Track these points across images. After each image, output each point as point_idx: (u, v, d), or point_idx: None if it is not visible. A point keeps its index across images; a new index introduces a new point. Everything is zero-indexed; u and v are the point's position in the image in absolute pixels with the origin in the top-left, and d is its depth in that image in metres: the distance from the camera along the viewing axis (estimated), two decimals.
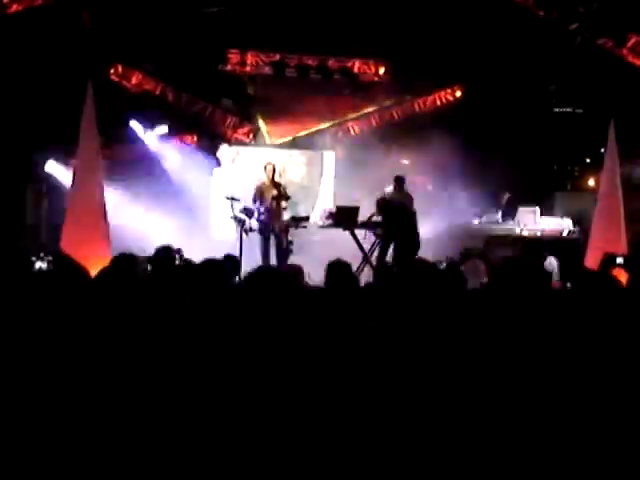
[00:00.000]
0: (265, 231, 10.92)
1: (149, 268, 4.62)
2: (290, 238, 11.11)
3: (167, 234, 10.52)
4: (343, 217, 10.89)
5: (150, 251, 5.36)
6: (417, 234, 10.81)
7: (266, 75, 13.90)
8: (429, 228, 11.78)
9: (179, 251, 6.96)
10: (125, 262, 3.86)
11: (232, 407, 2.78)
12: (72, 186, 9.78)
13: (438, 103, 14.47)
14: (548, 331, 3.31)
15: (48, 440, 2.56)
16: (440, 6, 12.54)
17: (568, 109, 14.42)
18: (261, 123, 14.26)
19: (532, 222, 12.56)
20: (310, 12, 12.51)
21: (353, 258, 8.55)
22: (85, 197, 9.49)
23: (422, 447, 2.75)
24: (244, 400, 2.80)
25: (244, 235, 10.52)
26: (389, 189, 11.68)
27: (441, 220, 12.30)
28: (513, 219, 12.68)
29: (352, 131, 14.67)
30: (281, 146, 14.23)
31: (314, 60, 13.92)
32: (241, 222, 10.61)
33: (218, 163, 14.08)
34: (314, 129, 14.29)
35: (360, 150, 13.90)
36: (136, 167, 12.88)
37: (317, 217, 11.31)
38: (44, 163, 12.63)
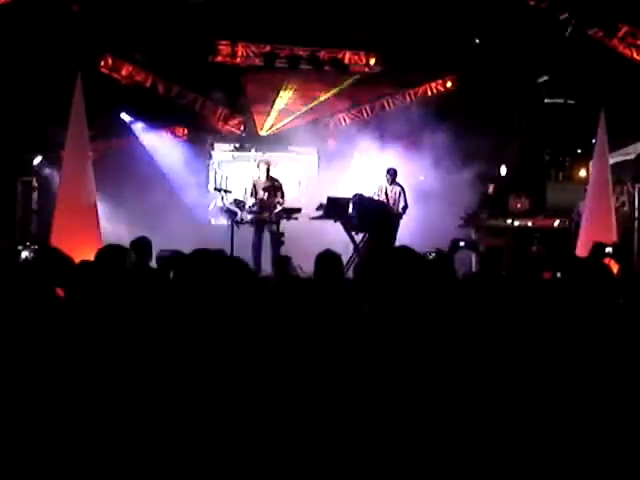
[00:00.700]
0: (259, 223, 10.97)
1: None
2: (281, 230, 11.14)
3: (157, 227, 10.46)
4: (334, 208, 10.90)
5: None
6: (392, 228, 10.90)
7: (257, 66, 13.88)
8: (420, 218, 11.80)
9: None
10: (113, 254, 3.84)
11: (222, 402, 2.77)
12: (61, 178, 9.80)
13: (429, 94, 14.46)
14: (536, 319, 3.31)
15: (27, 432, 2.55)
16: None
17: (559, 100, 14.42)
18: (253, 116, 14.25)
19: (522, 212, 12.57)
20: (301, 3, 12.48)
21: (344, 249, 8.59)
22: (75, 189, 9.52)
23: (417, 438, 2.75)
24: (233, 394, 2.79)
25: (235, 227, 10.55)
26: (382, 182, 11.72)
27: (432, 210, 12.31)
28: (502, 209, 12.68)
29: (343, 122, 14.65)
30: (271, 138, 14.19)
31: (305, 51, 13.87)
32: (232, 214, 10.63)
33: (210, 156, 14.07)
34: (305, 121, 14.26)
35: (351, 141, 13.91)
36: (126, 160, 12.85)
37: (309, 208, 11.29)
38: (33, 156, 12.59)
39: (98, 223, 9.56)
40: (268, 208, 11.03)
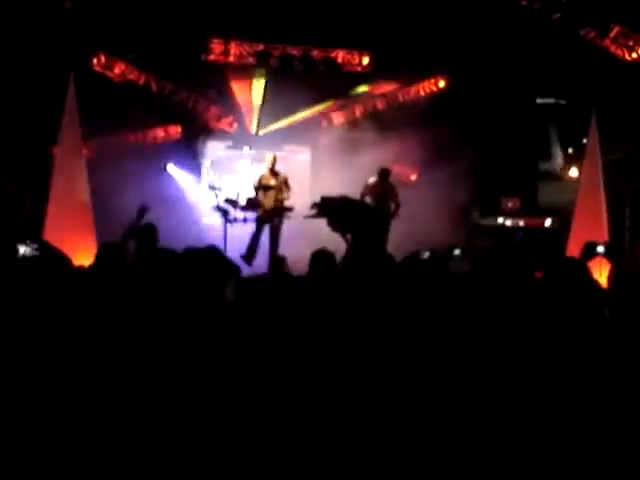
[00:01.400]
0: (258, 222, 11.01)
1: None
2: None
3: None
4: (328, 207, 10.92)
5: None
6: (379, 231, 10.93)
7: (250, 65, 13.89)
8: (412, 219, 11.83)
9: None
10: (112, 252, 3.85)
11: (219, 400, 2.79)
12: (54, 176, 9.79)
13: (422, 93, 14.48)
14: (523, 318, 3.34)
15: (24, 428, 2.56)
16: None
17: (551, 100, 14.48)
18: (246, 114, 14.27)
19: (514, 213, 12.63)
20: (295, 2, 12.51)
21: (338, 247, 8.60)
22: (68, 187, 9.53)
23: (411, 434, 2.78)
24: (230, 392, 2.82)
25: (228, 225, 10.58)
26: (372, 180, 11.74)
27: (424, 211, 12.34)
28: (495, 210, 12.74)
29: (336, 121, 14.67)
30: (264, 137, 14.20)
31: (298, 50, 13.88)
32: (224, 212, 10.64)
33: (204, 154, 14.09)
34: (298, 120, 14.27)
35: (343, 140, 13.94)
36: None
37: (302, 207, 11.31)
38: (28, 153, 12.53)
39: (92, 221, 9.56)
40: (264, 207, 11.06)
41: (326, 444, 2.75)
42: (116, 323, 2.91)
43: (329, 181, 12.67)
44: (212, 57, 13.73)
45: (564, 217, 12.06)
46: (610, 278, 5.91)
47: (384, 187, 11.70)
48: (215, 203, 10.70)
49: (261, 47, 13.82)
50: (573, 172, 14.09)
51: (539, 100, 14.43)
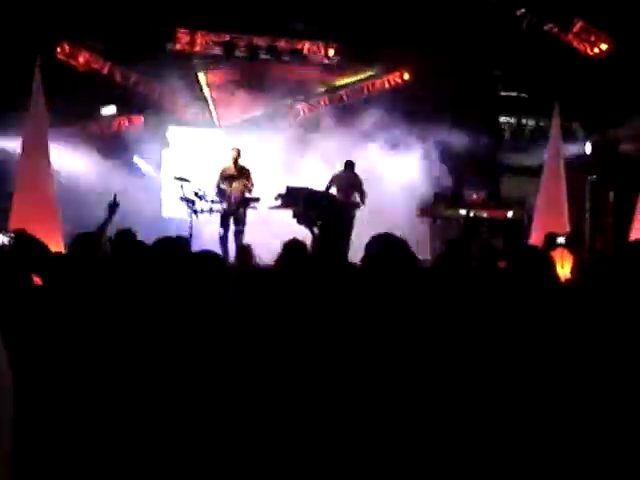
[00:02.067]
0: (223, 217, 11.01)
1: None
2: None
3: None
4: (292, 198, 10.95)
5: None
6: (343, 222, 11.03)
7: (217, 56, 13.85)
8: (378, 211, 11.90)
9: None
10: (88, 241, 3.84)
11: (211, 397, 2.81)
12: (19, 165, 9.73)
13: (387, 86, 14.56)
14: (487, 308, 3.40)
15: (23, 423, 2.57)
16: None
17: (513, 93, 14.64)
18: (211, 105, 14.23)
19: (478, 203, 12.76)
20: None
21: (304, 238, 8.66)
22: (33, 175, 9.46)
23: (408, 432, 2.80)
24: (223, 390, 2.83)
25: (194, 216, 10.55)
26: (337, 171, 11.83)
27: (387, 200, 12.46)
28: (459, 200, 12.85)
29: (302, 113, 14.70)
30: (232, 127, 14.18)
31: (264, 41, 13.87)
32: (191, 203, 10.61)
33: (167, 144, 14.02)
34: (264, 111, 14.27)
35: (310, 132, 14.00)
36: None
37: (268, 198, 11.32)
38: None
39: (57, 211, 9.50)
40: (229, 198, 11.05)
41: (315, 440, 2.77)
42: (97, 308, 2.92)
43: (294, 172, 12.71)
44: (178, 47, 13.64)
45: (527, 209, 12.24)
46: (573, 270, 6.05)
47: (349, 178, 11.78)
48: (181, 194, 10.65)
49: (227, 37, 13.78)
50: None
51: (502, 93, 14.59)
